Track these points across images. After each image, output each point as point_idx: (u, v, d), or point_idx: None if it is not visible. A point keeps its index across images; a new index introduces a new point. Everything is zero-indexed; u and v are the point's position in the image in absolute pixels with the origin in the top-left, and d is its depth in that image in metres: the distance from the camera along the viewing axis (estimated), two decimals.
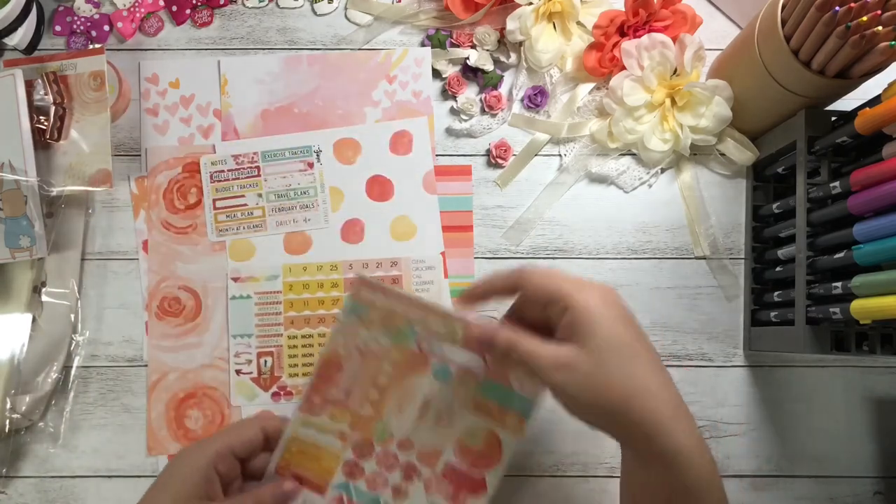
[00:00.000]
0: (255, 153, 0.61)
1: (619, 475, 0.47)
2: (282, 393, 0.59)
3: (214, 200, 0.61)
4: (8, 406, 0.56)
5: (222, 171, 0.61)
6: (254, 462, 0.48)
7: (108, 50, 0.60)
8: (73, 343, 0.59)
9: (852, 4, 0.45)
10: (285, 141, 0.61)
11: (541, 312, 0.45)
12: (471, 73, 0.62)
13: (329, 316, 0.60)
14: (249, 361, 0.60)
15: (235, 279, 0.60)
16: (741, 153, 0.60)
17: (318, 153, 0.61)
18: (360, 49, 0.62)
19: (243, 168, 0.61)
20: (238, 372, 0.59)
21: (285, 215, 0.61)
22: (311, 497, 0.48)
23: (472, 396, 0.47)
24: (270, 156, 0.61)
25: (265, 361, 0.60)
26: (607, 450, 0.60)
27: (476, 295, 0.48)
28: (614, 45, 0.59)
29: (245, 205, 0.61)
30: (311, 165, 0.61)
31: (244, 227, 0.61)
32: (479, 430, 0.47)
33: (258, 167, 0.61)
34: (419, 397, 0.48)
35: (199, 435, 0.59)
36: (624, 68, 0.59)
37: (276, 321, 0.60)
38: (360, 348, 0.48)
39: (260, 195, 0.61)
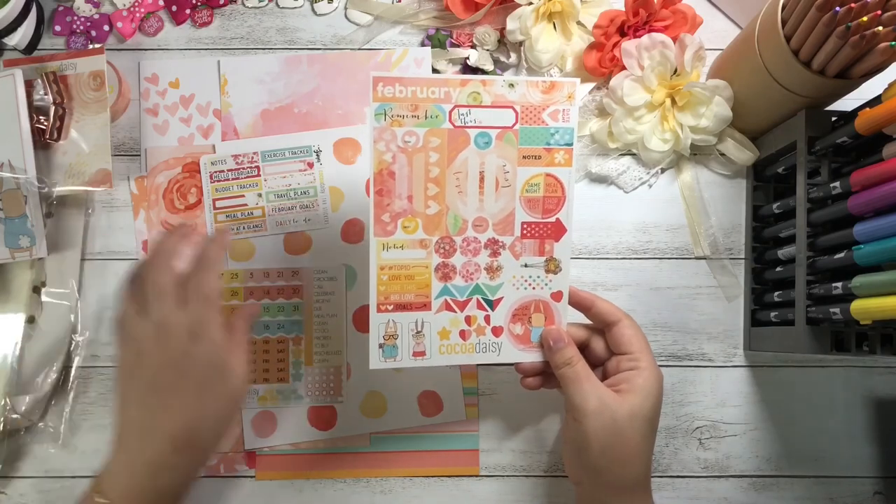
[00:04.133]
0: (255, 153, 0.61)
1: None
2: None
3: (214, 200, 0.61)
4: (7, 406, 0.56)
5: (222, 170, 0.61)
6: None
7: (107, 50, 0.60)
8: (73, 343, 0.59)
9: (852, 4, 0.45)
10: (285, 141, 0.61)
11: (595, 333, 0.53)
12: (471, 72, 0.62)
13: None
14: None
15: None
16: (741, 153, 0.60)
17: (317, 153, 0.61)
18: (360, 49, 0.62)
19: (243, 168, 0.61)
20: None
21: (285, 215, 0.61)
22: (423, 316, 0.51)
23: (516, 150, 0.50)
24: (270, 155, 0.61)
25: None
26: None
27: (584, 299, 0.53)
28: (614, 45, 0.59)
29: (245, 205, 0.61)
30: (310, 165, 0.61)
31: (244, 228, 0.61)
32: (536, 178, 0.50)
33: (258, 167, 0.61)
34: (472, 173, 0.50)
35: None
36: (624, 68, 0.59)
37: None
38: (401, 147, 0.49)
39: (260, 195, 0.61)
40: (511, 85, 0.49)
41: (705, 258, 0.61)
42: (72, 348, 0.59)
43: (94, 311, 0.60)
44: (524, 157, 0.50)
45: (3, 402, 0.56)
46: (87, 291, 0.60)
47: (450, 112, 0.49)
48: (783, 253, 0.57)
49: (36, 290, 0.59)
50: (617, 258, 0.61)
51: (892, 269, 0.45)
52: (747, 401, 0.61)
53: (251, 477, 0.59)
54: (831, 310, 0.49)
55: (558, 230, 0.51)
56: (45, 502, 0.58)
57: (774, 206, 0.58)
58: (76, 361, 0.59)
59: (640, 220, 0.62)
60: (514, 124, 0.49)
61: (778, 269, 0.58)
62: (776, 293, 0.57)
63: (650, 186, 0.62)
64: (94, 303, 0.60)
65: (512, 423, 0.60)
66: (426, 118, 0.49)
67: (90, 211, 0.61)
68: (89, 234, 0.61)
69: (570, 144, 0.50)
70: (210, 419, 0.47)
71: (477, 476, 0.59)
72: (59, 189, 0.58)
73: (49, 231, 0.58)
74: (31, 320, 0.58)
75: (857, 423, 0.60)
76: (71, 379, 0.59)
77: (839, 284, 0.49)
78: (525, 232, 0.51)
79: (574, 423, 0.49)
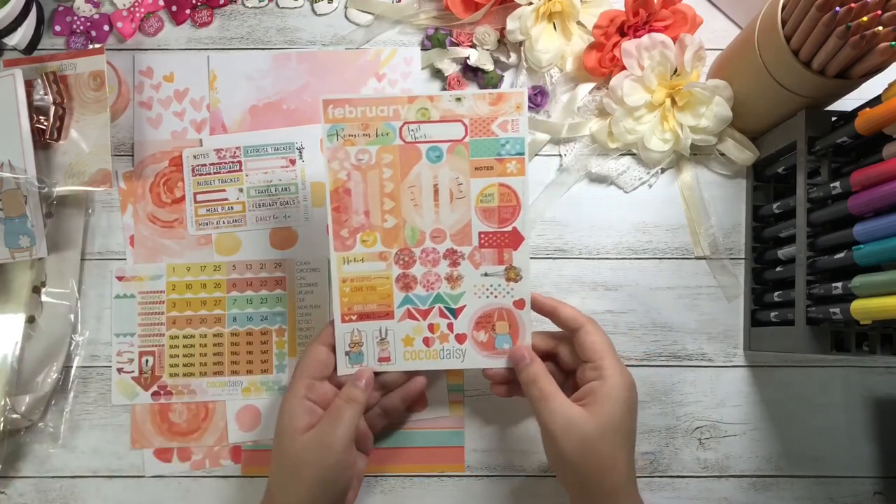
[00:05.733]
0: (237, 148, 0.61)
1: None
2: (162, 392, 0.59)
3: (195, 194, 0.61)
4: (7, 406, 0.56)
5: (204, 164, 0.61)
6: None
7: (107, 50, 0.60)
8: (73, 343, 0.59)
9: (852, 5, 0.45)
10: (268, 136, 0.61)
11: (563, 341, 0.53)
12: (471, 72, 0.62)
13: (211, 316, 0.60)
14: (131, 360, 0.60)
15: (120, 278, 0.60)
16: (741, 153, 0.60)
17: (300, 150, 0.61)
18: (357, 48, 0.62)
19: (225, 162, 0.61)
20: (119, 370, 0.60)
21: (265, 211, 0.61)
22: (386, 324, 0.52)
23: (468, 162, 0.51)
24: (253, 151, 0.61)
25: (146, 360, 0.60)
26: None
27: (545, 305, 0.53)
28: (614, 45, 0.59)
29: (226, 199, 0.61)
30: (293, 162, 0.61)
31: (224, 222, 0.61)
32: (489, 188, 0.51)
33: (240, 162, 0.61)
34: (426, 186, 0.51)
35: (183, 429, 0.59)
36: (624, 68, 0.59)
37: (159, 321, 0.60)
38: (355, 165, 0.51)
39: (241, 190, 0.61)
40: (458, 99, 0.50)
41: (705, 258, 0.61)
42: (72, 348, 0.59)
43: (94, 311, 0.60)
44: (476, 169, 0.51)
45: (3, 402, 0.56)
46: (87, 291, 0.60)
47: (400, 129, 0.50)
48: (783, 253, 0.57)
49: (36, 290, 0.59)
50: (617, 258, 0.61)
51: (892, 269, 0.45)
52: (747, 401, 0.61)
53: (237, 475, 0.59)
54: (831, 310, 0.49)
55: (516, 239, 0.52)
56: (45, 502, 0.58)
57: (774, 206, 0.58)
58: (76, 361, 0.59)
59: (640, 220, 0.62)
60: (463, 137, 0.50)
61: (778, 269, 0.58)
62: (776, 293, 0.57)
63: (650, 186, 0.62)
64: (94, 303, 0.60)
65: (507, 423, 0.60)
66: (377, 136, 0.50)
67: (90, 211, 0.61)
68: (89, 234, 0.61)
69: (522, 154, 0.51)
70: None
71: (464, 473, 0.59)
72: (59, 189, 0.58)
73: (49, 231, 0.58)
74: (31, 320, 0.58)
75: (857, 422, 0.60)
76: (71, 379, 0.59)
77: (839, 284, 0.49)
78: (483, 241, 0.52)
79: (546, 442, 0.49)
